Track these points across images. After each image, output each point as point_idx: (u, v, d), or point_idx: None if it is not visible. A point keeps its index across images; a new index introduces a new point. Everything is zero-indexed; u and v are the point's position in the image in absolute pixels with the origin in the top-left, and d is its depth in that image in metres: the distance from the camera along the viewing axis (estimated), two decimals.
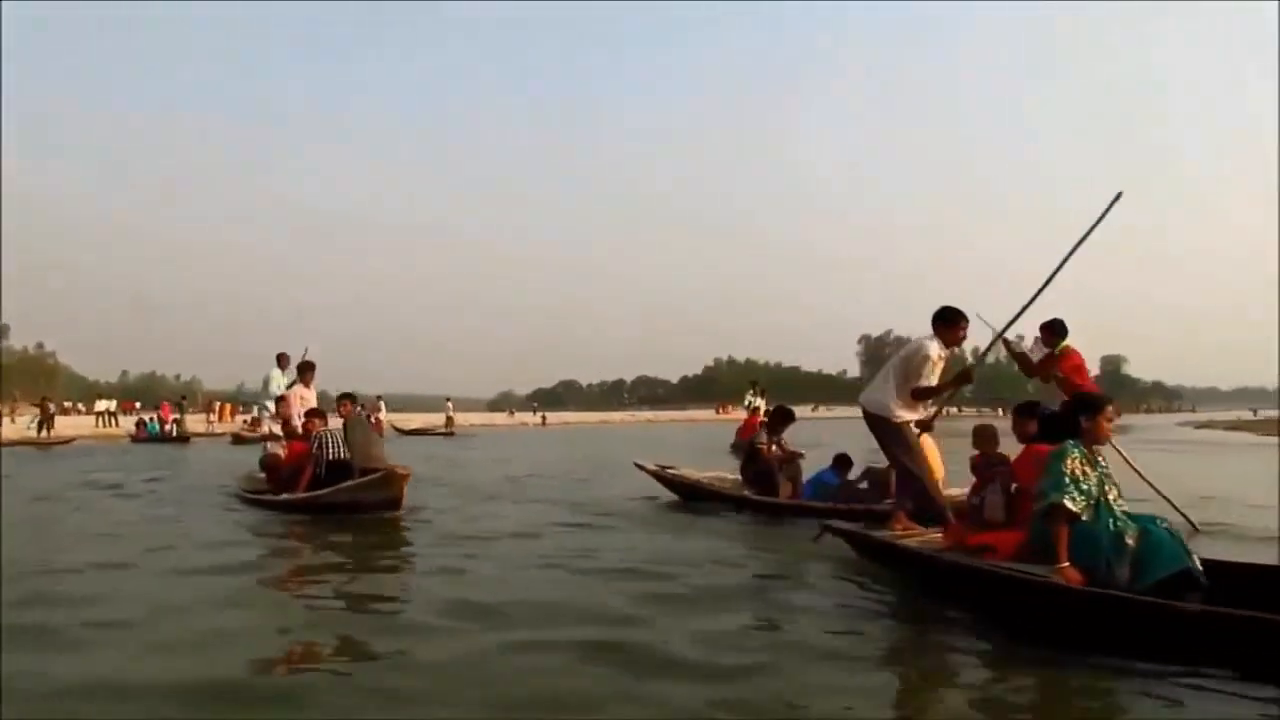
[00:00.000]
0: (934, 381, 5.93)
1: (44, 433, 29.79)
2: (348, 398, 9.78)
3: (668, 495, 9.75)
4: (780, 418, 9.30)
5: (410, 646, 4.01)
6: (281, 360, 11.65)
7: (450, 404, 44.70)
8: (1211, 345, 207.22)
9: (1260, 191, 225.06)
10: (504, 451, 22.35)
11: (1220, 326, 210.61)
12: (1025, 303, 6.23)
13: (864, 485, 8.17)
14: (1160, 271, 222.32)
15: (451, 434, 36.83)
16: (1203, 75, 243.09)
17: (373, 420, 29.36)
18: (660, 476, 9.81)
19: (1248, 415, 61.83)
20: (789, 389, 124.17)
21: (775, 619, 4.57)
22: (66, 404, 58.59)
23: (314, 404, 10.44)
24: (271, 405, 11.14)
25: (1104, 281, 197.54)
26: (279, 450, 9.79)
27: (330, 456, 8.61)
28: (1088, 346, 6.02)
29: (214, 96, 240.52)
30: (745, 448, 14.69)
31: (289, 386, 10.90)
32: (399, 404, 65.40)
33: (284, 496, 8.71)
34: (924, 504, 5.84)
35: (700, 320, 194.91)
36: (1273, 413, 49.35)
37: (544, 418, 61.87)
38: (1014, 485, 5.26)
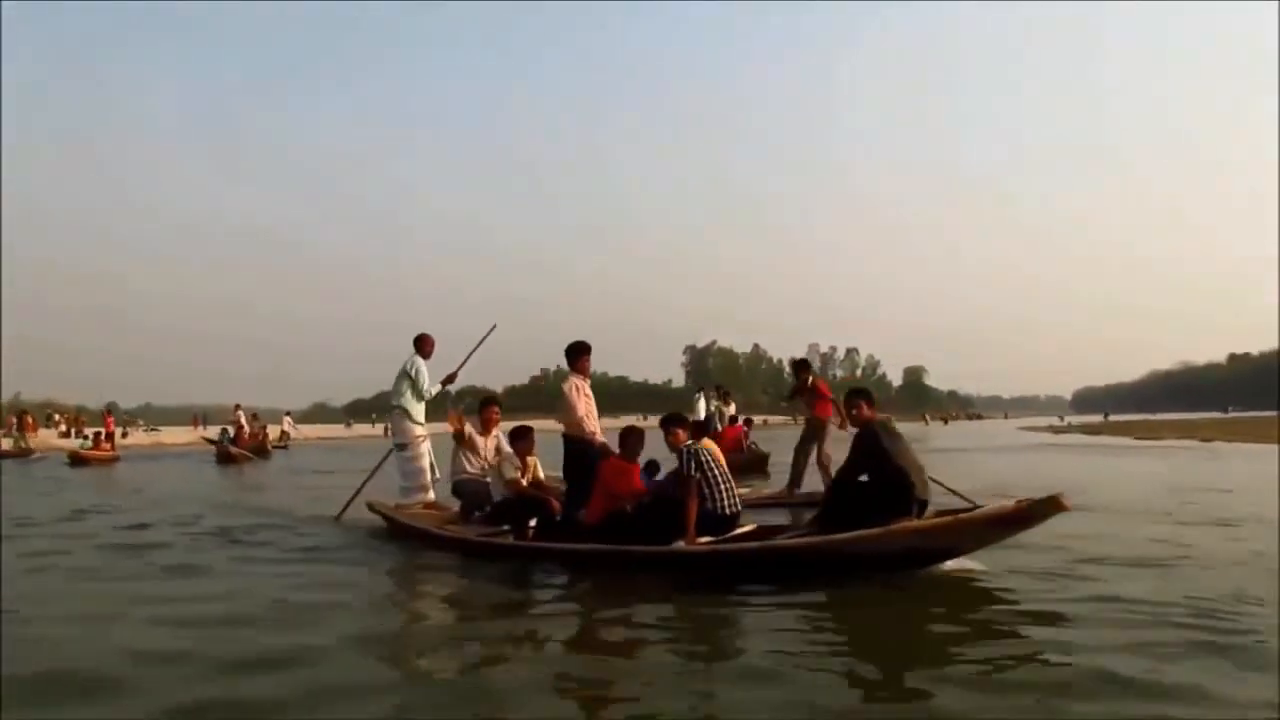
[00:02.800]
0: None
1: None
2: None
3: None
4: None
5: None
6: (425, 345, 8.79)
7: (288, 417, 41.70)
8: (986, 358, 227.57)
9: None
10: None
11: (990, 341, 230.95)
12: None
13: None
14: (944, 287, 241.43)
15: (285, 447, 33.85)
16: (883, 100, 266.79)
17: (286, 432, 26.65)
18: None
19: (1057, 422, 68.00)
20: (618, 399, 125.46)
21: None
22: None
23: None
24: (414, 405, 8.64)
25: (900, 300, 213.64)
26: (513, 473, 7.07)
27: (722, 485, 5.91)
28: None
29: None
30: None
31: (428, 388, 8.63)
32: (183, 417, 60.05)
33: (701, 544, 5.58)
34: None
35: (524, 329, 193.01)
36: (1089, 418, 56.67)
37: (387, 428, 59.35)
38: None
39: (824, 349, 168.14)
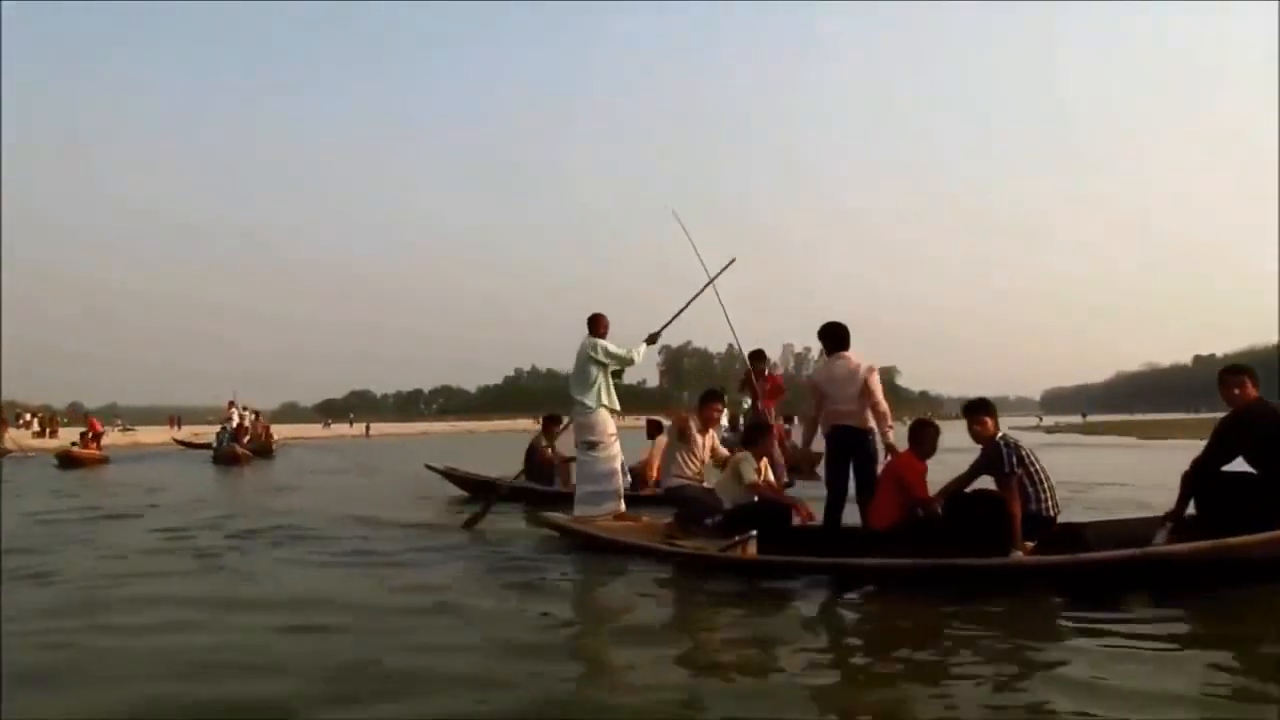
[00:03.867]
0: None
1: None
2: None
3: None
4: (554, 423, 10.54)
5: None
6: (601, 326, 7.53)
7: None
8: (954, 359, 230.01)
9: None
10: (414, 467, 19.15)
11: (958, 342, 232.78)
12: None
13: (628, 479, 9.28)
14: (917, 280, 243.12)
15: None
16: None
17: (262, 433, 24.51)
18: (450, 475, 10.94)
19: (1038, 421, 68.46)
20: None
21: None
22: None
23: None
24: (607, 394, 7.29)
25: (872, 301, 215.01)
26: (752, 474, 6.10)
27: (1045, 483, 5.08)
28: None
29: None
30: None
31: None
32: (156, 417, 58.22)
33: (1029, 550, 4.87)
34: None
35: (497, 330, 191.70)
36: (1065, 418, 59.14)
37: (368, 428, 58.88)
38: None
39: (798, 349, 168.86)
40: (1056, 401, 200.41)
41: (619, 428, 7.39)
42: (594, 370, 7.24)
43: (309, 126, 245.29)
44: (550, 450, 10.30)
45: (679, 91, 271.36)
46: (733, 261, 7.78)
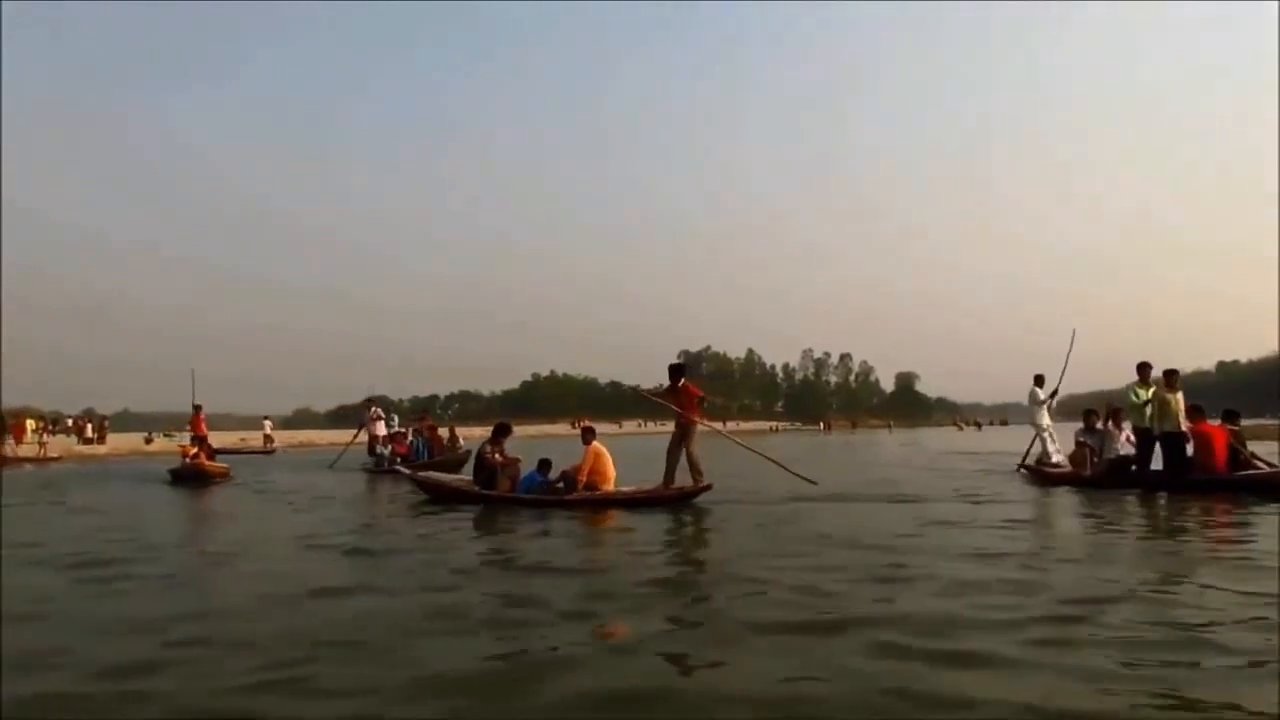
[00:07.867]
0: None
1: None
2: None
3: None
4: (501, 431, 11.51)
5: None
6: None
7: (269, 422, 40.37)
8: (962, 362, 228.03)
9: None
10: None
11: (967, 345, 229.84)
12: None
13: (560, 484, 10.67)
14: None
15: (271, 453, 33.26)
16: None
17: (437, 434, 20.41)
18: (410, 478, 12.46)
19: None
20: (612, 406, 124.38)
21: None
22: None
23: None
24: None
25: (891, 301, 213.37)
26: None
27: None
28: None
29: None
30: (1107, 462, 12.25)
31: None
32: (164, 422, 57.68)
33: None
34: None
35: (512, 334, 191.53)
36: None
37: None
38: None
39: (817, 354, 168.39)
40: (1073, 406, 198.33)
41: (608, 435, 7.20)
42: None
43: (334, 129, 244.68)
44: (495, 456, 11.12)
45: (691, 90, 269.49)
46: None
